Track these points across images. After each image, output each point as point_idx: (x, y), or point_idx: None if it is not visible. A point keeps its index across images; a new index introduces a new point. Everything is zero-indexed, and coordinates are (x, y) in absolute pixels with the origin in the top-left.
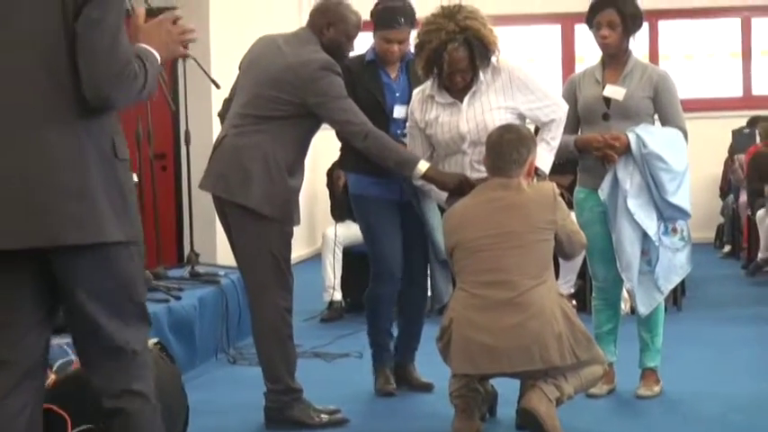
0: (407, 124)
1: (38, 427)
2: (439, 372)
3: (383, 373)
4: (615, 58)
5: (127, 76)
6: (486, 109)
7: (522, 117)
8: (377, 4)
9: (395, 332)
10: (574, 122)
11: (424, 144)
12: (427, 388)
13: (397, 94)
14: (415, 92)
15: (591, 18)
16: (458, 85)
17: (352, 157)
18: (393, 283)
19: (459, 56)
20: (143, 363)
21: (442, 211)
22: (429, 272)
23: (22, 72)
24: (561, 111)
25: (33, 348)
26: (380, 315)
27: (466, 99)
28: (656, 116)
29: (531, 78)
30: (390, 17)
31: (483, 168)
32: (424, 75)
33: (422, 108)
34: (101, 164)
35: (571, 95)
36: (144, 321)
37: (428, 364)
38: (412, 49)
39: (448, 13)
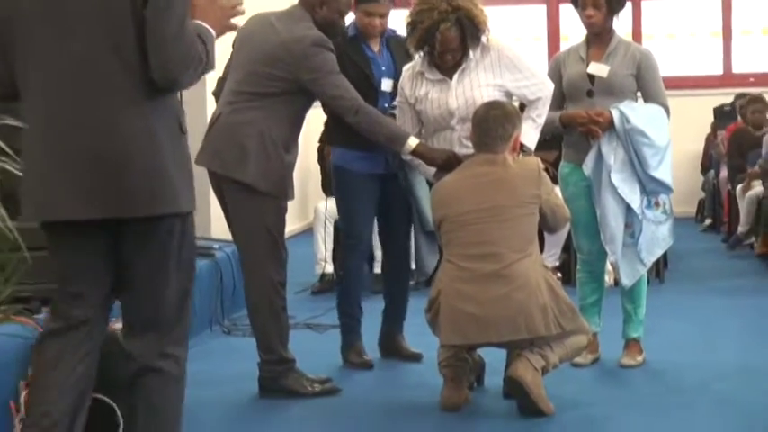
0: (397, 100)
1: (90, 383)
2: (426, 342)
3: (355, 346)
4: (599, 37)
5: (192, 59)
6: (476, 86)
7: (509, 95)
8: None
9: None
10: (559, 99)
11: (413, 120)
12: (416, 358)
13: (383, 68)
14: (405, 68)
15: None
16: (448, 63)
17: (338, 132)
18: (363, 256)
19: (451, 35)
20: (185, 326)
21: (430, 185)
22: (414, 244)
23: (94, 56)
24: (547, 89)
25: (100, 310)
26: (353, 285)
27: (455, 76)
28: (638, 93)
29: (519, 57)
30: None
31: (471, 144)
32: (414, 52)
33: (412, 84)
34: (170, 140)
35: (556, 73)
36: (192, 283)
37: (416, 335)
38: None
39: None
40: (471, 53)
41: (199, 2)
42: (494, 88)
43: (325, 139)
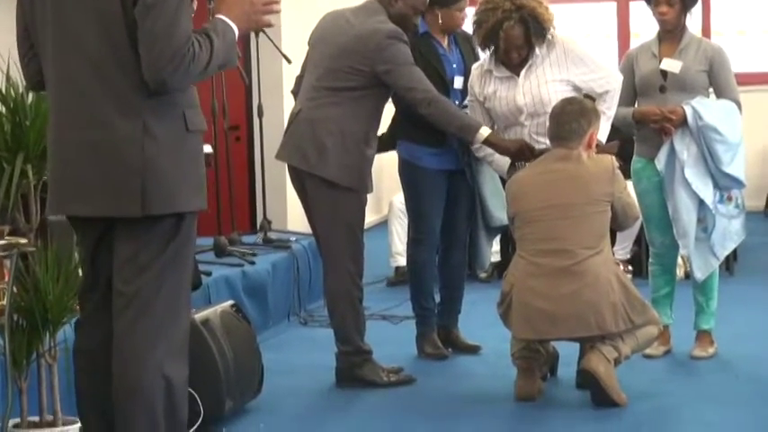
0: (468, 98)
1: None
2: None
3: (430, 338)
4: (671, 34)
5: (182, 59)
6: (542, 82)
7: (577, 89)
8: None
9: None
10: (631, 95)
11: (484, 117)
12: (474, 350)
13: (455, 66)
14: (474, 66)
15: None
16: (514, 60)
17: (407, 126)
18: (433, 249)
19: (515, 33)
20: (179, 336)
21: (503, 182)
22: (472, 239)
23: (92, 58)
24: (615, 81)
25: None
26: (426, 279)
27: (522, 73)
28: (710, 89)
29: (584, 51)
30: None
31: (541, 140)
32: (481, 50)
33: (480, 82)
34: (171, 140)
35: (628, 69)
36: (188, 286)
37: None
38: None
39: None
40: (537, 50)
41: None
42: (561, 83)
43: (392, 133)
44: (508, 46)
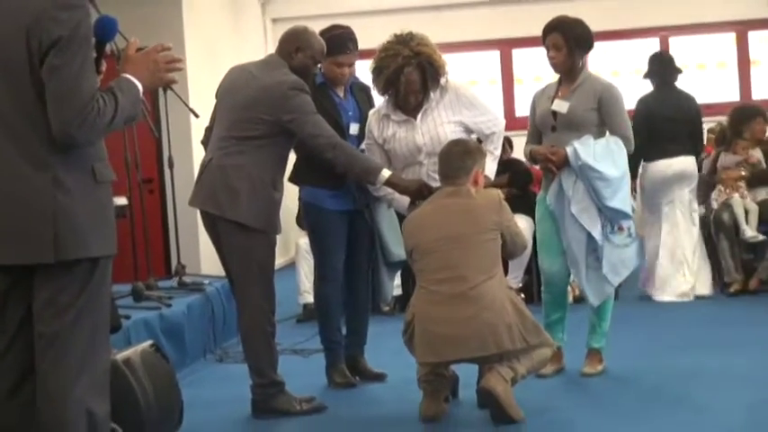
0: (366, 141)
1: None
2: (384, 363)
3: (339, 368)
4: (567, 75)
5: (87, 114)
6: (438, 123)
7: (468, 130)
8: (324, 33)
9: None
10: (536, 133)
11: (382, 158)
12: (380, 378)
13: (350, 113)
14: (371, 112)
15: (543, 41)
16: (411, 104)
17: (308, 171)
18: (338, 285)
19: (414, 78)
20: (99, 373)
21: (402, 218)
22: (375, 275)
23: (1, 116)
24: (500, 124)
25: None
26: (332, 314)
27: (419, 116)
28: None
29: (474, 96)
30: (341, 43)
31: (438, 176)
32: (381, 95)
33: (379, 126)
34: (80, 190)
35: (532, 110)
36: (107, 326)
37: (394, 354)
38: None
39: (402, 40)
40: (432, 94)
41: (132, 55)
42: (455, 125)
43: (294, 178)
44: (407, 90)
